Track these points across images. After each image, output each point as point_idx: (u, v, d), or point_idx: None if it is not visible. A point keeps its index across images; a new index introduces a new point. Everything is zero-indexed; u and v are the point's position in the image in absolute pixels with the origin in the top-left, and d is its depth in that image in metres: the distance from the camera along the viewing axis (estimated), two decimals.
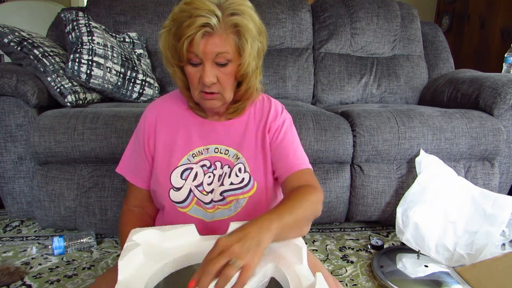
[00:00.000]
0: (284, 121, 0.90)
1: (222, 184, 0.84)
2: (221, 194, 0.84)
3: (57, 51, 1.64)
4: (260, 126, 0.88)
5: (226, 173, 0.85)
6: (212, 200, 0.84)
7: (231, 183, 0.85)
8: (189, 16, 0.72)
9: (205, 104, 0.81)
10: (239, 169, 0.85)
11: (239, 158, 0.86)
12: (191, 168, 0.85)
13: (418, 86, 2.18)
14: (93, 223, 1.44)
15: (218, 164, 0.86)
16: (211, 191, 0.84)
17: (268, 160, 0.87)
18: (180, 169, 0.84)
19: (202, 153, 0.86)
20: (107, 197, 1.41)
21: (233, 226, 0.74)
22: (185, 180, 0.84)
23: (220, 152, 0.87)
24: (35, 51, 1.54)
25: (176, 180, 0.84)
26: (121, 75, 1.70)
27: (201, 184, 0.84)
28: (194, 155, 0.86)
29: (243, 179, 0.85)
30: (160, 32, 0.81)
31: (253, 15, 0.78)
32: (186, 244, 0.70)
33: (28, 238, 1.50)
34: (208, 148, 0.87)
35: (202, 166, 0.85)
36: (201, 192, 0.84)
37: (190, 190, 0.84)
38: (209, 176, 0.85)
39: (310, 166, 0.86)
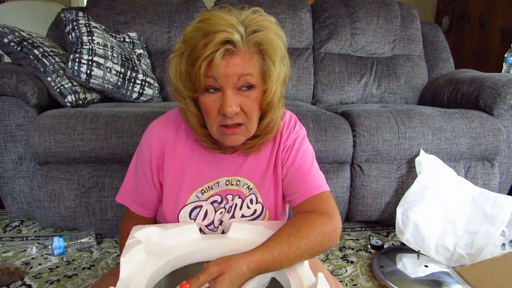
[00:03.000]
0: (296, 139, 0.80)
1: (233, 216, 0.79)
2: None
3: (57, 51, 1.64)
4: (274, 151, 0.80)
5: (237, 204, 0.79)
6: (223, 232, 0.79)
7: (243, 216, 0.79)
8: (206, 34, 0.62)
9: (226, 140, 0.70)
10: (251, 200, 0.79)
11: (251, 188, 0.79)
12: (201, 206, 0.78)
13: (418, 86, 2.18)
14: (93, 223, 1.44)
15: (230, 197, 0.79)
16: (221, 223, 0.79)
17: (279, 184, 0.80)
18: (188, 208, 0.77)
19: (212, 188, 0.78)
20: (107, 197, 1.41)
21: (235, 226, 0.75)
22: (194, 219, 0.77)
23: (231, 184, 0.79)
24: (35, 51, 1.54)
25: (184, 220, 0.77)
26: (121, 75, 1.70)
27: (212, 222, 0.78)
28: (203, 191, 0.78)
29: (255, 210, 0.79)
30: (169, 57, 0.69)
31: (280, 34, 0.69)
32: (188, 242, 0.70)
33: (28, 238, 1.49)
34: (219, 182, 0.79)
35: (213, 202, 0.78)
36: (211, 230, 0.79)
37: (200, 230, 0.77)
38: (221, 212, 0.79)
39: (325, 188, 0.77)
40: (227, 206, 0.79)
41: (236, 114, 0.66)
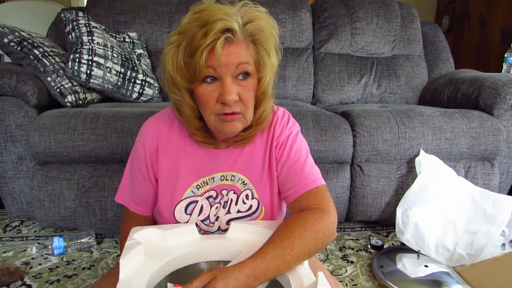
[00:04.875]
0: (290, 134, 0.80)
1: (228, 212, 0.78)
2: (227, 222, 0.78)
3: (57, 51, 1.64)
4: (267, 146, 0.80)
5: (232, 199, 0.79)
6: (219, 228, 0.79)
7: (238, 211, 0.79)
8: (203, 24, 0.63)
9: (225, 128, 0.70)
10: (246, 196, 0.79)
11: (246, 184, 0.79)
12: (196, 201, 0.78)
13: (418, 86, 2.18)
14: (93, 223, 1.44)
15: (225, 192, 0.79)
16: (217, 219, 0.79)
17: (275, 181, 0.80)
18: (184, 203, 0.77)
19: (207, 183, 0.79)
20: (107, 197, 1.41)
21: (234, 226, 0.75)
22: (190, 215, 0.77)
23: (226, 179, 0.79)
24: (35, 51, 1.54)
25: (180, 215, 0.77)
26: (121, 75, 1.70)
27: (208, 218, 0.78)
28: (198, 186, 0.78)
29: (251, 206, 0.79)
30: (165, 50, 0.69)
31: (272, 24, 0.70)
32: (187, 243, 0.70)
33: (28, 238, 1.49)
34: (214, 177, 0.79)
35: (208, 198, 0.78)
36: (207, 225, 0.79)
37: (196, 225, 0.77)
38: (216, 208, 0.79)
39: (321, 182, 0.77)
40: (222, 201, 0.79)
41: (235, 102, 0.67)
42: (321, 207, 0.71)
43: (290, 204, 0.78)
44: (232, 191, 0.79)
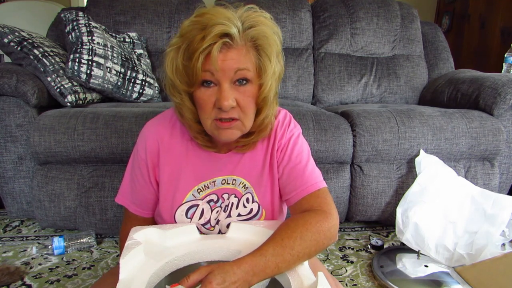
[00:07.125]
0: (291, 137, 0.80)
1: (229, 216, 0.78)
2: (228, 226, 0.77)
3: (57, 51, 1.64)
4: (269, 149, 0.80)
5: (233, 203, 0.79)
6: (219, 232, 0.79)
7: (239, 215, 0.79)
8: (203, 27, 0.63)
9: (221, 135, 0.69)
10: (247, 199, 0.79)
11: (247, 187, 0.79)
12: (197, 205, 0.78)
13: (418, 86, 2.18)
14: (93, 223, 1.44)
15: (226, 196, 0.79)
16: (217, 223, 0.79)
17: (276, 183, 0.80)
18: (185, 207, 0.77)
19: (208, 187, 0.78)
20: (107, 197, 1.41)
21: (234, 226, 0.75)
22: (191, 218, 0.77)
23: (227, 183, 0.79)
24: (35, 51, 1.54)
25: (181, 218, 0.77)
26: (121, 75, 1.70)
27: (208, 221, 0.78)
28: (199, 190, 0.78)
29: (251, 209, 0.79)
30: (166, 51, 0.69)
31: (276, 30, 0.69)
32: (187, 243, 0.70)
33: (28, 238, 1.49)
34: (215, 181, 0.79)
35: (209, 201, 0.78)
36: (208, 229, 0.79)
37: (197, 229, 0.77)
38: (217, 212, 0.79)
39: (321, 185, 0.76)
40: (223, 205, 0.79)
41: (232, 108, 0.66)
42: (323, 209, 0.71)
43: (291, 207, 0.78)
44: (233, 195, 0.79)
